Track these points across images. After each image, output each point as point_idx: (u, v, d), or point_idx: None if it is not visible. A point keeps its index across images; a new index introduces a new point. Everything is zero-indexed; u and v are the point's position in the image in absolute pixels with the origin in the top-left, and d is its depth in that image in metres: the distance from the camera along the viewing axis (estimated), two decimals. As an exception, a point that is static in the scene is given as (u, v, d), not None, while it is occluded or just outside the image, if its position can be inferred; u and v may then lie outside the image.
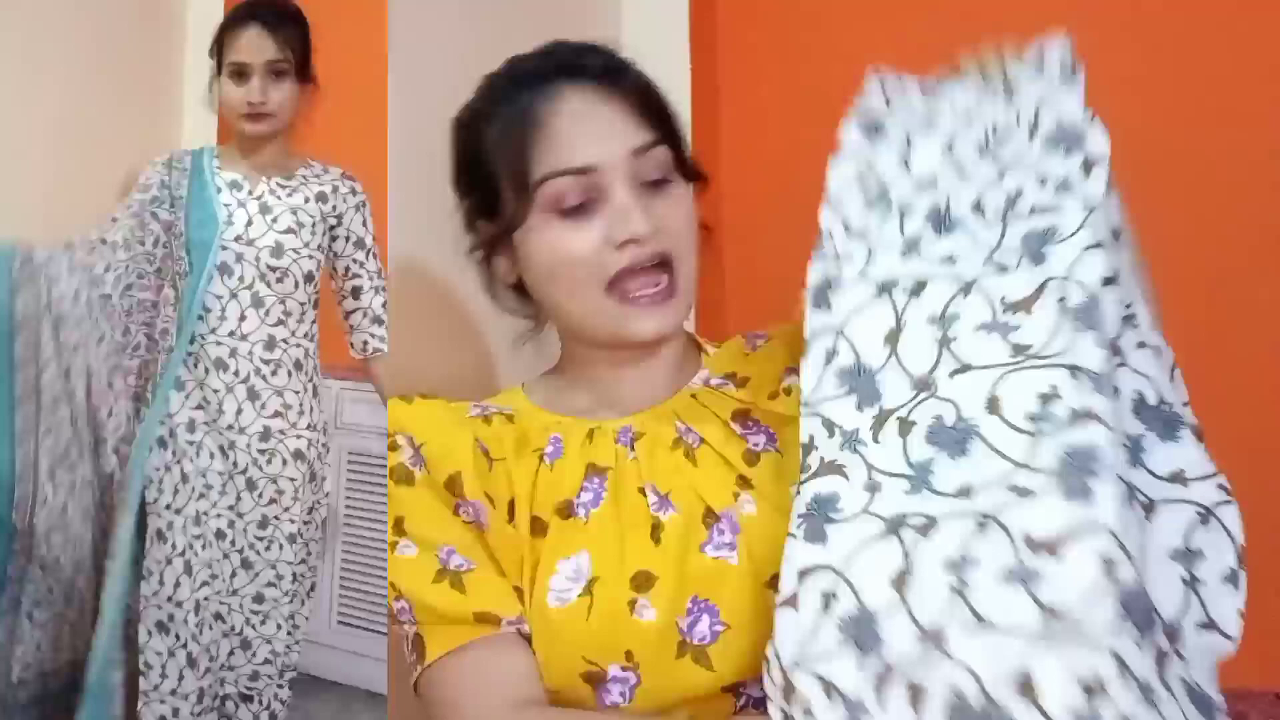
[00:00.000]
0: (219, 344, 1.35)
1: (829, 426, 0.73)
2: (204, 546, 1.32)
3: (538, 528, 0.84)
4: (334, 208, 1.43)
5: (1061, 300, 0.69)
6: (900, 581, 0.65)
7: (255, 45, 1.34)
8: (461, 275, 1.20)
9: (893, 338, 0.73)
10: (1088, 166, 0.74)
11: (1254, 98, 1.55)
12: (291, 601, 1.41)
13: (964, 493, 0.66)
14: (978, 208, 0.77)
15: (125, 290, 1.30)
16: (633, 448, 0.87)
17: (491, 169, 0.87)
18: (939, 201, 0.78)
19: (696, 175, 0.90)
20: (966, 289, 0.73)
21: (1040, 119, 0.76)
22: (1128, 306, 0.72)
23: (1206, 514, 0.68)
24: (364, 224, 1.46)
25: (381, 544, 1.48)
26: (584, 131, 0.83)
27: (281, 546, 1.40)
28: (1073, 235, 0.71)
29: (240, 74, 1.34)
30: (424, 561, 0.82)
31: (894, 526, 0.67)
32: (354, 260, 1.45)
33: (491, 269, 0.94)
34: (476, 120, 0.90)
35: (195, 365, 1.35)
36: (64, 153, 1.30)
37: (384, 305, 1.47)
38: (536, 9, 1.37)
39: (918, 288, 0.74)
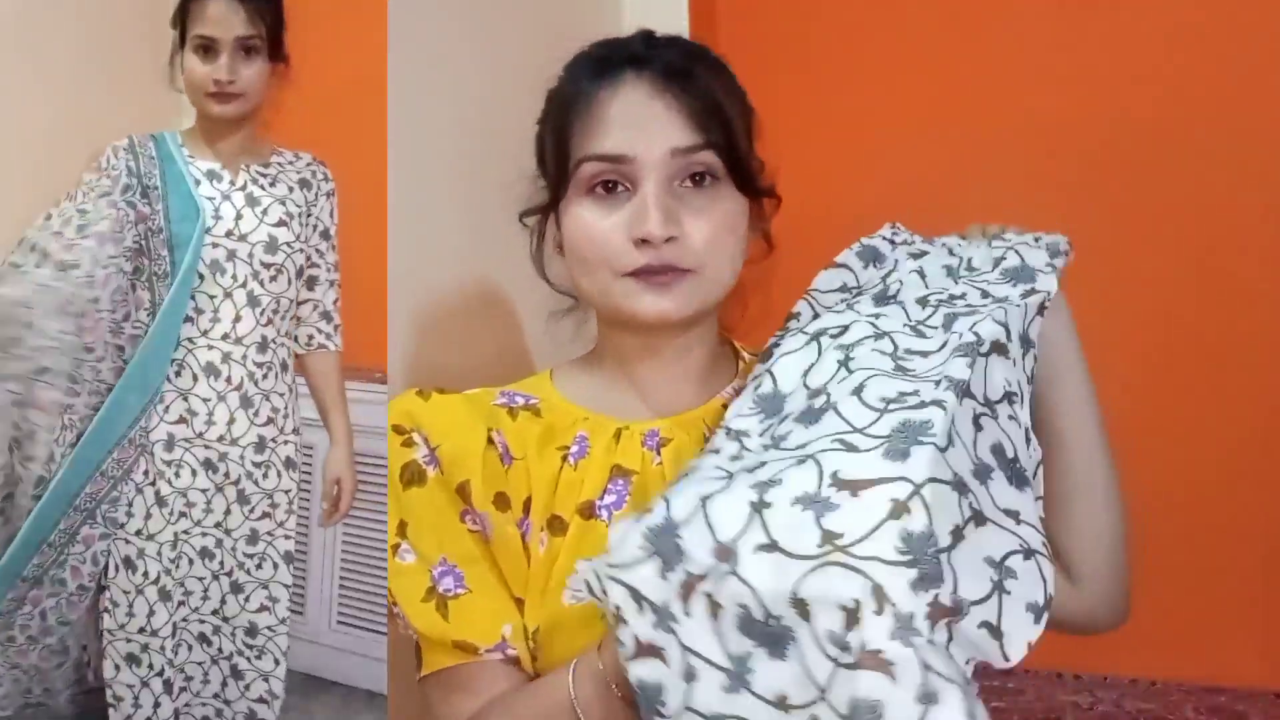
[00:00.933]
0: (210, 348, 1.26)
1: (729, 432, 0.81)
2: (179, 566, 1.25)
3: (556, 526, 0.84)
4: (315, 195, 1.38)
5: (955, 348, 0.78)
6: (708, 498, 0.69)
7: (224, 18, 1.22)
8: (459, 277, 1.20)
9: (808, 371, 0.82)
10: (1027, 295, 0.84)
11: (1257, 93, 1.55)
12: (288, 632, 1.33)
13: (801, 446, 0.73)
14: (922, 301, 0.87)
15: (114, 295, 1.19)
16: (659, 453, 0.87)
17: (547, 142, 0.89)
18: (890, 289, 0.90)
19: (760, 190, 0.90)
20: (879, 335, 0.82)
21: (1007, 257, 0.89)
22: (1011, 393, 0.79)
23: (1029, 551, 0.70)
24: (331, 214, 1.40)
25: (381, 544, 1.48)
26: (629, 122, 0.84)
27: (276, 566, 1.33)
28: (983, 310, 0.82)
29: (206, 49, 1.23)
30: (417, 575, 0.84)
31: (730, 472, 0.73)
32: (316, 250, 1.38)
33: (543, 236, 0.94)
34: (552, 96, 0.91)
35: (179, 373, 1.25)
36: (63, 150, 1.26)
37: (336, 302, 1.42)
38: (536, 9, 1.37)
39: (840, 330, 0.84)
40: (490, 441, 0.86)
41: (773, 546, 0.65)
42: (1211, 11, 1.58)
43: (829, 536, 0.64)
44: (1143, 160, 1.60)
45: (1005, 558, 0.69)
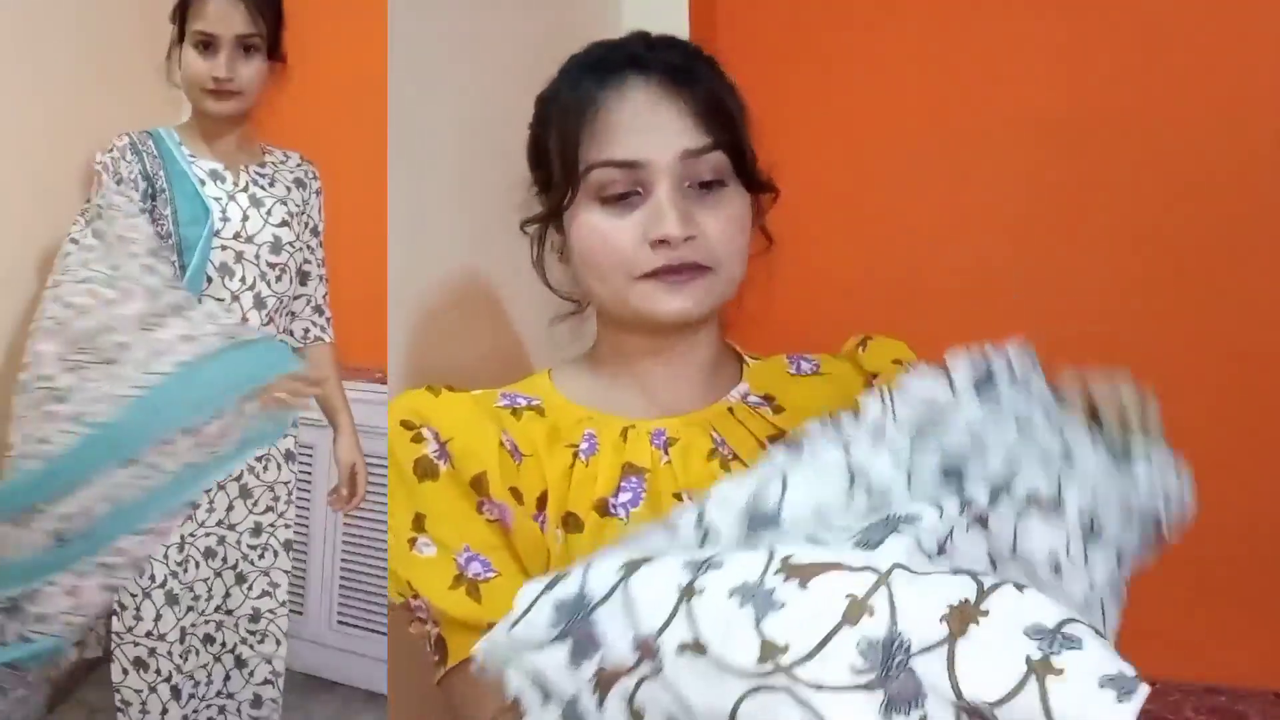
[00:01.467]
0: None
1: (700, 520, 0.69)
2: (186, 569, 1.26)
3: (571, 523, 0.84)
4: (308, 194, 1.38)
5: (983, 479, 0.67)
6: (633, 570, 0.58)
7: (224, 15, 1.21)
8: (459, 277, 1.20)
9: (823, 507, 0.68)
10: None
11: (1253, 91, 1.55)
12: (289, 614, 1.35)
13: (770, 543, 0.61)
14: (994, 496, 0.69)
15: None
16: (666, 451, 0.87)
17: (550, 148, 0.88)
18: (958, 461, 0.71)
19: (762, 185, 0.90)
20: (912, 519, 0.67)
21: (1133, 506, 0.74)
22: (1058, 565, 0.66)
23: (1097, 632, 0.54)
24: (319, 211, 1.41)
25: (381, 544, 1.47)
26: (639, 127, 0.84)
27: (276, 554, 1.34)
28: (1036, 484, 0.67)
29: (206, 45, 1.22)
30: (442, 564, 0.83)
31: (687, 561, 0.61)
32: (308, 246, 1.39)
33: (543, 243, 0.94)
34: (548, 99, 0.91)
35: None
36: (62, 148, 1.26)
37: (325, 296, 1.43)
38: (536, 9, 1.37)
39: (881, 493, 0.70)
40: (501, 439, 0.85)
41: (700, 649, 0.54)
42: (1215, 10, 1.58)
43: (769, 650, 0.52)
44: (1142, 160, 1.60)
45: (1062, 624, 0.52)
